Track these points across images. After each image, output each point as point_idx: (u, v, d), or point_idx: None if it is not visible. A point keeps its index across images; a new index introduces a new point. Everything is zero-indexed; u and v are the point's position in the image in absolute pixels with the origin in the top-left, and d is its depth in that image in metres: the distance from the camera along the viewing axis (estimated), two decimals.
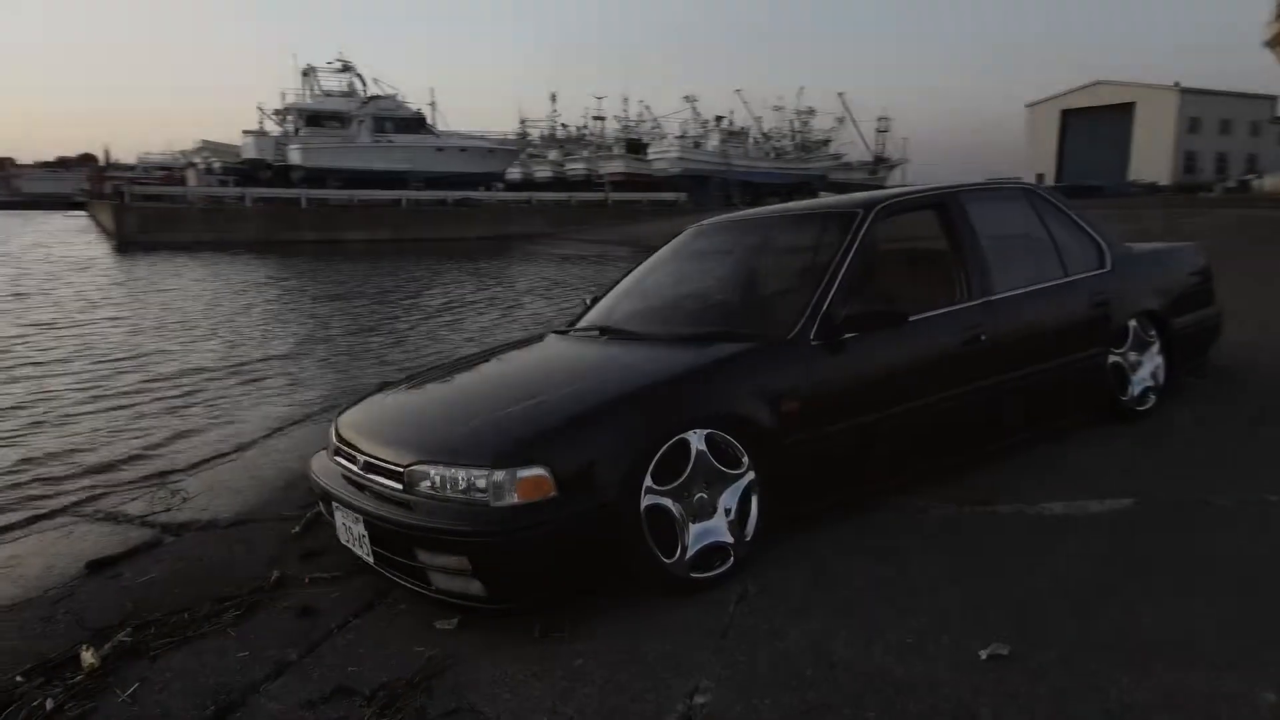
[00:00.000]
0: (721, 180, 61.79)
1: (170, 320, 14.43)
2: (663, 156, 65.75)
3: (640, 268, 4.64)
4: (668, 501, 2.88)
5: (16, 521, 4.95)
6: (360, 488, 3.06)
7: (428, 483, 2.80)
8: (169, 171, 57.74)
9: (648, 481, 2.83)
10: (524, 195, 50.84)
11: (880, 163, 78.99)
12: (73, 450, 6.56)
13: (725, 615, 2.79)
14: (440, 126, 55.41)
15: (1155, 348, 4.64)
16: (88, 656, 2.88)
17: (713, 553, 2.98)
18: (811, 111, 78.15)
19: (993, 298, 3.93)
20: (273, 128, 52.54)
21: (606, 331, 3.93)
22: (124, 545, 4.20)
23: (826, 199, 4.31)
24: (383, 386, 4.18)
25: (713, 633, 2.69)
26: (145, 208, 40.98)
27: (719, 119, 71.99)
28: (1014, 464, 4.01)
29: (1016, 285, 4.08)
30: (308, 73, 52.55)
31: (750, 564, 3.07)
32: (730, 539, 3.02)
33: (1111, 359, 4.45)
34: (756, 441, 3.08)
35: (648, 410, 2.96)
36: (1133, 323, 4.52)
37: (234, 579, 3.52)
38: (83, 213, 61.93)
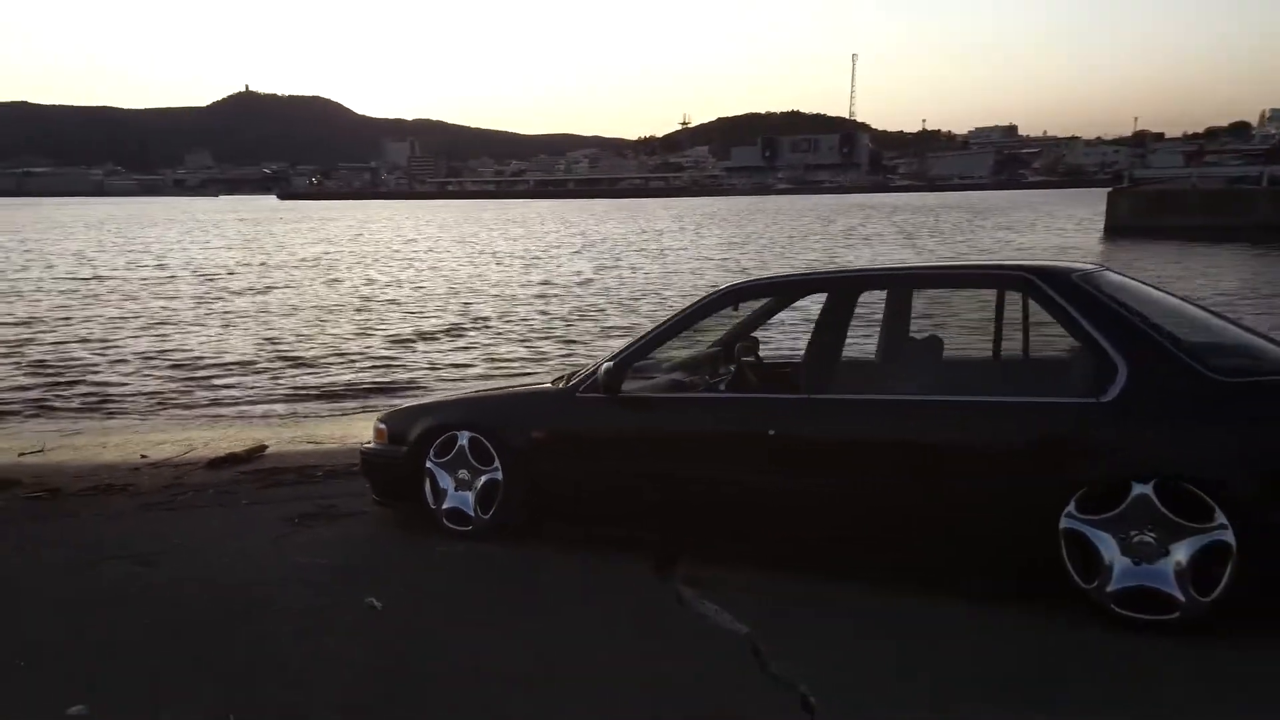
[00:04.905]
0: None
1: None
2: None
3: None
4: (437, 470, 4.35)
5: None
6: None
7: None
8: None
9: (430, 454, 4.39)
10: None
11: None
12: None
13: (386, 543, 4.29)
14: None
15: (1202, 537, 2.90)
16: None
17: (461, 515, 4.31)
18: None
19: (813, 396, 3.56)
20: None
21: None
22: None
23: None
24: None
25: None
26: (1141, 192, 40.74)
27: None
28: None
29: (863, 390, 3.67)
30: None
31: (508, 540, 4.21)
32: (471, 512, 4.26)
33: (1067, 524, 3.11)
34: (510, 454, 4.15)
35: (440, 413, 4.47)
36: (1143, 488, 2.99)
37: None
38: None
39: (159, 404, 9.18)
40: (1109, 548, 3.04)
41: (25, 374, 10.80)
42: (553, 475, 4.08)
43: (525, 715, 2.65)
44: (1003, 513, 3.22)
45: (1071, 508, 3.09)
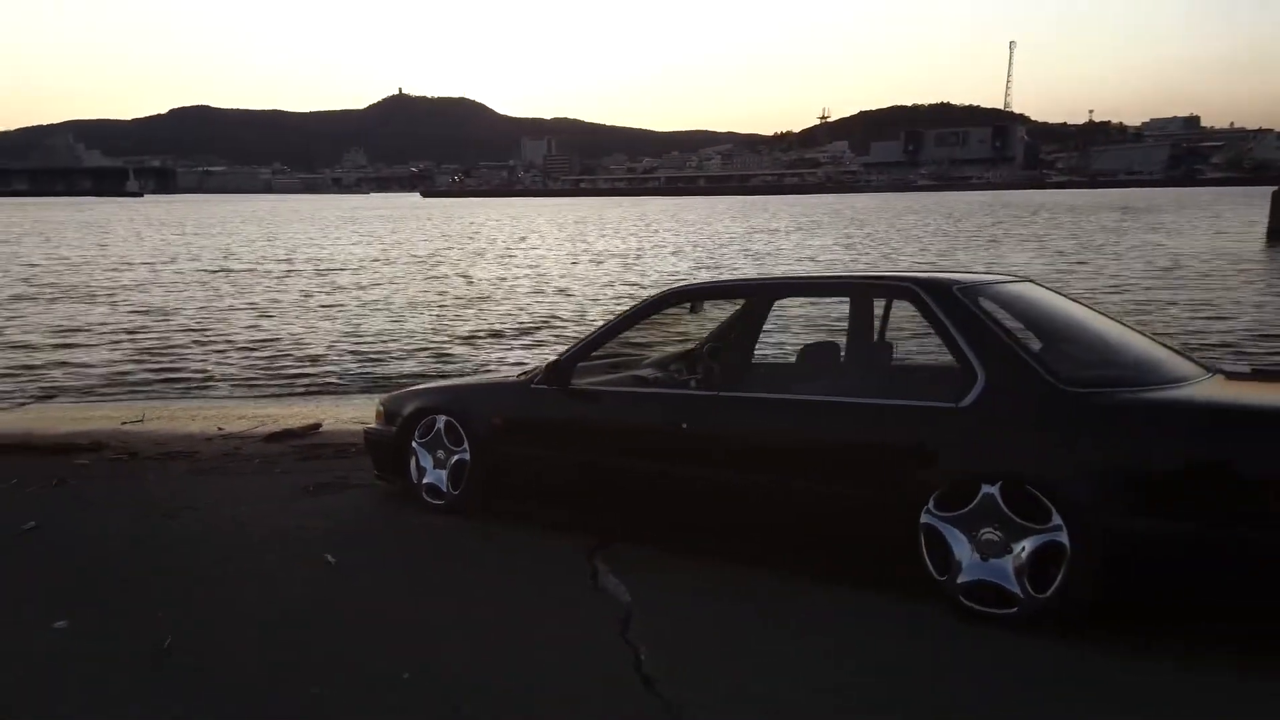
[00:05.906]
0: None
1: None
2: None
3: None
4: (420, 449, 4.87)
5: None
6: None
7: None
8: None
9: (415, 435, 4.92)
10: None
11: None
12: None
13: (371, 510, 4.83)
14: None
15: (1040, 537, 3.05)
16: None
17: (437, 490, 4.81)
18: None
19: (717, 393, 3.85)
20: None
21: None
22: None
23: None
24: None
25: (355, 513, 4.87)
26: None
27: None
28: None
29: (763, 389, 3.92)
30: None
31: (475, 515, 4.69)
32: (444, 488, 4.75)
33: (926, 519, 3.29)
34: (475, 438, 4.63)
35: (425, 398, 4.97)
36: (990, 489, 3.15)
37: None
38: None
39: (245, 384, 10.25)
40: (960, 544, 3.21)
41: (142, 356, 12.22)
42: (509, 458, 4.51)
43: (399, 654, 3.08)
44: (874, 507, 3.42)
45: (931, 505, 3.27)
